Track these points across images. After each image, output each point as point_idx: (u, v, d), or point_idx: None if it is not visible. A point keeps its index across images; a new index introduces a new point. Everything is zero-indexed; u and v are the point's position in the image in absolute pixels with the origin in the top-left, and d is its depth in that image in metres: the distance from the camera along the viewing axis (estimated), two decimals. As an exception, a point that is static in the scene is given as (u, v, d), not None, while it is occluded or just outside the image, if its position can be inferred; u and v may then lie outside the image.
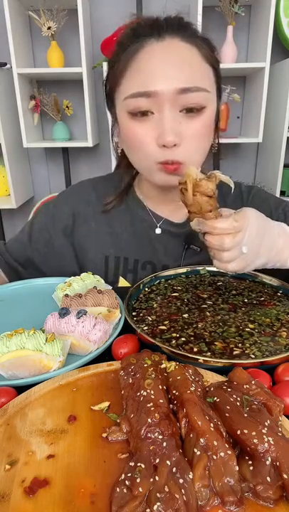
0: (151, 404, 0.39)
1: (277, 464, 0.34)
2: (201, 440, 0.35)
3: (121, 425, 0.40)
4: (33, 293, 0.77)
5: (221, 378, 0.48)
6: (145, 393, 0.41)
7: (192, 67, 0.64)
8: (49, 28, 1.83)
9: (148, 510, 0.32)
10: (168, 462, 0.35)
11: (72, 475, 0.36)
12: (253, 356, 0.52)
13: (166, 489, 0.33)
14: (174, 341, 0.56)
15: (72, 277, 0.73)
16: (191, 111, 0.65)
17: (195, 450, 0.35)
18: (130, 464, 0.35)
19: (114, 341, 0.57)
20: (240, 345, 0.55)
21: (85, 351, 0.55)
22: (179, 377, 0.43)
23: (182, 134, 0.65)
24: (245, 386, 0.42)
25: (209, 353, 0.53)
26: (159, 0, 1.99)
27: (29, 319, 0.63)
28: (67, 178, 2.24)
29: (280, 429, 0.38)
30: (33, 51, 2.11)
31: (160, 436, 0.37)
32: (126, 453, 0.38)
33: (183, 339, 0.57)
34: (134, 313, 0.65)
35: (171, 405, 0.41)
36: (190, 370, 0.45)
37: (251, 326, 0.60)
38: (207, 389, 0.44)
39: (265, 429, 0.36)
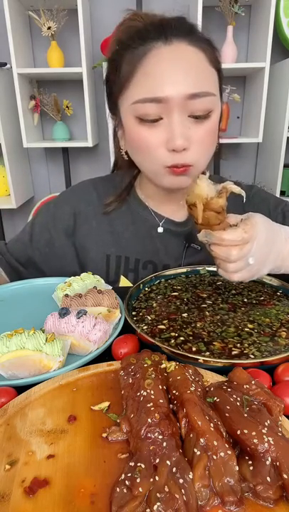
0: (151, 404, 0.39)
1: (277, 464, 0.34)
2: (201, 440, 0.35)
3: (121, 425, 0.40)
4: (33, 293, 0.77)
5: (221, 378, 0.48)
6: (145, 393, 0.41)
7: (200, 71, 0.64)
8: (49, 28, 1.84)
9: (148, 510, 0.32)
10: (168, 462, 0.35)
11: (72, 475, 0.36)
12: (252, 356, 0.52)
13: (166, 489, 0.33)
14: (172, 341, 0.56)
15: (72, 277, 0.73)
16: (199, 116, 0.65)
17: (195, 450, 0.35)
18: (130, 463, 0.35)
19: (114, 341, 0.57)
20: (238, 345, 0.55)
21: (85, 351, 0.55)
22: (179, 377, 0.43)
23: (191, 139, 0.65)
24: (245, 386, 0.42)
25: (208, 353, 0.53)
26: (159, 0, 1.99)
27: (29, 319, 0.63)
28: (67, 178, 2.24)
29: (280, 429, 0.38)
30: (33, 51, 2.11)
31: (160, 436, 0.37)
32: (126, 453, 0.38)
33: (182, 338, 0.57)
34: (133, 313, 0.65)
35: (171, 405, 0.41)
36: (190, 370, 0.45)
37: (250, 326, 0.60)
38: (207, 389, 0.44)
39: (265, 429, 0.36)
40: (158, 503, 0.32)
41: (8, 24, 1.74)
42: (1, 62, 1.89)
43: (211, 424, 0.37)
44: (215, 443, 0.35)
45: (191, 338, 0.57)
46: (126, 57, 0.66)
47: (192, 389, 0.41)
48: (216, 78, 0.68)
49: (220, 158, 0.86)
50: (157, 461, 0.35)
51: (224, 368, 0.50)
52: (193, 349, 0.54)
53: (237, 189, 0.52)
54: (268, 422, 0.37)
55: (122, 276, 0.86)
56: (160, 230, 0.84)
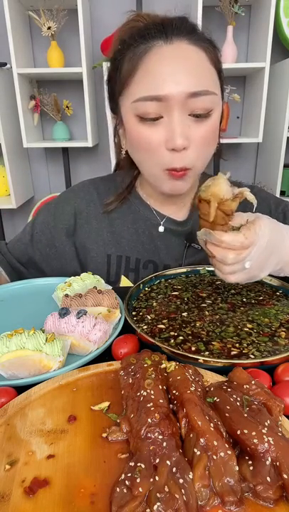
0: (151, 404, 0.39)
1: (277, 464, 0.34)
2: (201, 440, 0.35)
3: (121, 425, 0.40)
4: (33, 293, 0.77)
5: (220, 378, 0.48)
6: (145, 393, 0.41)
7: (200, 70, 0.64)
8: (49, 28, 1.84)
9: (148, 510, 0.32)
10: (168, 462, 0.35)
11: (72, 475, 0.36)
12: (252, 356, 0.52)
13: (166, 489, 0.33)
14: (172, 340, 0.56)
15: (72, 277, 0.73)
16: (199, 115, 0.65)
17: (195, 450, 0.35)
18: (130, 463, 0.35)
19: (114, 341, 0.57)
20: (237, 345, 0.55)
21: (85, 351, 0.55)
22: (179, 377, 0.43)
23: (191, 138, 0.65)
24: (245, 386, 0.42)
25: (207, 353, 0.53)
26: (160, 0, 1.99)
27: (29, 319, 0.63)
28: (67, 178, 2.24)
29: (280, 429, 0.38)
30: (33, 51, 2.11)
31: (160, 436, 0.37)
32: (126, 453, 0.38)
33: (181, 338, 0.57)
34: (134, 313, 0.65)
35: (171, 405, 0.41)
36: (190, 370, 0.45)
37: (249, 325, 0.60)
38: (207, 389, 0.44)
39: (265, 429, 0.36)
40: (158, 503, 0.32)
41: (8, 24, 1.74)
42: (1, 62, 1.89)
43: (211, 424, 0.37)
44: (215, 443, 0.35)
45: (190, 337, 0.57)
46: (127, 56, 0.66)
47: (192, 389, 0.41)
48: (217, 78, 0.68)
49: (221, 159, 0.86)
50: (157, 461, 0.35)
51: (224, 368, 0.50)
52: (193, 348, 0.54)
53: (251, 197, 0.52)
54: (268, 422, 0.37)
55: (122, 276, 0.86)
56: (161, 229, 0.84)
